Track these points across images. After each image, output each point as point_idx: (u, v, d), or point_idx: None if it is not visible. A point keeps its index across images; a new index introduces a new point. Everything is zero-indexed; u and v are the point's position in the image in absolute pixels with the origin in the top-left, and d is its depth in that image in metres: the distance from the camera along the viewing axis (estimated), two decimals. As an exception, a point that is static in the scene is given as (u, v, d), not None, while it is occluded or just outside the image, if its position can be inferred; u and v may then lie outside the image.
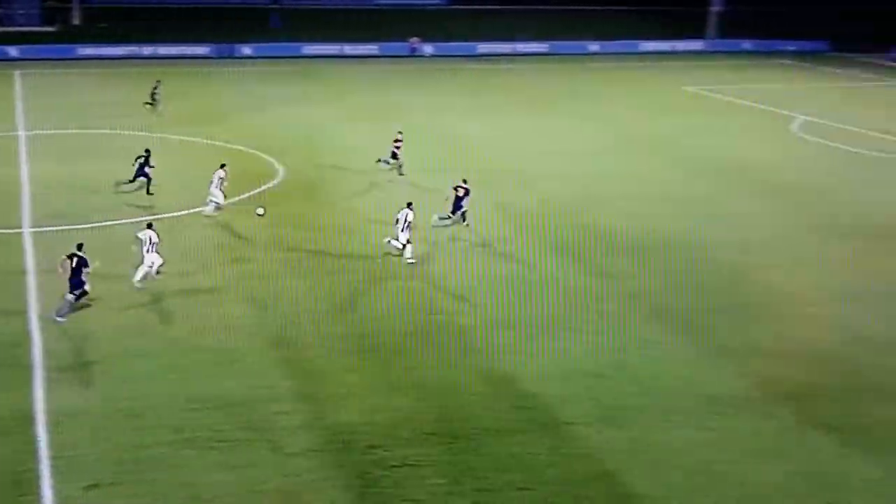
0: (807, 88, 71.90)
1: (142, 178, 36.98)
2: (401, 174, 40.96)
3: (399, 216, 30.85)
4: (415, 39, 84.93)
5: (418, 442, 20.29)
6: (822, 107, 62.33)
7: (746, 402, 22.41)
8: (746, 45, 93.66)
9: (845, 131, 53.68)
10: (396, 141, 41.44)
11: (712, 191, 41.21)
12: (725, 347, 25.40)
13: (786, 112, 59.88)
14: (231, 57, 79.00)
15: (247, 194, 37.52)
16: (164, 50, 78.23)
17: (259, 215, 32.69)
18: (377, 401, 22.00)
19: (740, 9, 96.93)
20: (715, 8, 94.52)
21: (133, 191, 37.03)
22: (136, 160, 37.08)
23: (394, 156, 41.31)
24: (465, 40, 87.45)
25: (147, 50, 77.88)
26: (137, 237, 28.07)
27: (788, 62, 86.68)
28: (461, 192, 34.53)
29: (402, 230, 30.73)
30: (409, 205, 31.17)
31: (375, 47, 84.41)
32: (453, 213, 34.39)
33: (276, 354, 24.32)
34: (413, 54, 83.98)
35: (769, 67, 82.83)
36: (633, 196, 39.69)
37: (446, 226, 34.02)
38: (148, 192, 36.76)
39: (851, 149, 49.30)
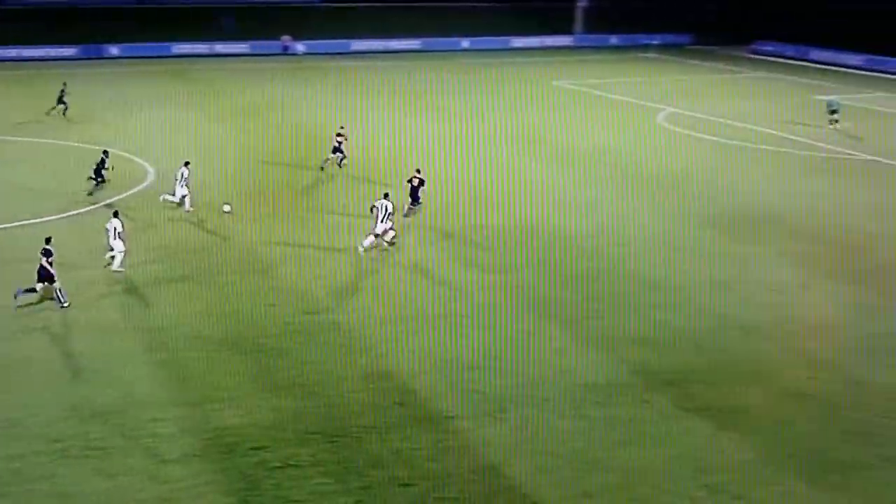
0: (671, 81, 73.70)
1: (99, 180, 37.65)
2: (340, 166, 42.29)
3: (377, 205, 31.37)
4: (286, 37, 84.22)
5: (301, 442, 20.11)
6: (686, 98, 64.02)
7: (624, 390, 22.83)
8: (613, 39, 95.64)
9: (708, 122, 55.18)
10: (338, 135, 42.51)
11: (583, 182, 41.91)
12: (602, 337, 25.84)
13: (651, 104, 61.28)
14: (99, 58, 77.10)
15: (116, 198, 36.67)
16: (28, 52, 75.86)
17: (226, 212, 33.91)
18: (258, 402, 21.73)
19: (606, 4, 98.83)
20: (581, 4, 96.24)
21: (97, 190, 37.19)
22: (96, 164, 37.78)
23: (335, 150, 42.28)
24: (339, 38, 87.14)
25: (12, 52, 75.33)
26: (105, 227, 29.40)
27: (653, 55, 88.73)
28: (416, 182, 35.43)
29: (382, 220, 31.16)
30: (385, 195, 31.82)
31: (246, 46, 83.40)
32: (413, 203, 34.84)
33: (152, 358, 23.80)
34: (286, 52, 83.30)
35: (635, 61, 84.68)
36: (506, 189, 40.09)
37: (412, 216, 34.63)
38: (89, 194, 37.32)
39: (714, 139, 50.70)
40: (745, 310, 28.01)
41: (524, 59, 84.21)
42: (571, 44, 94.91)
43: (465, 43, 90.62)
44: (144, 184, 39.23)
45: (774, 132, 46.06)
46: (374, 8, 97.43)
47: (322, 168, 42.46)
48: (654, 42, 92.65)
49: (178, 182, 35.65)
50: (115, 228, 29.17)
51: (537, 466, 19.46)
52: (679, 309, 28.01)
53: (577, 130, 52.54)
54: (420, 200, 35.45)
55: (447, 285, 29.36)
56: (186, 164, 36.16)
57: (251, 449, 19.75)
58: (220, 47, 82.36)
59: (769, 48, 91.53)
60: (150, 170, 41.15)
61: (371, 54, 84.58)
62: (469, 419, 21.27)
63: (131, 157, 43.15)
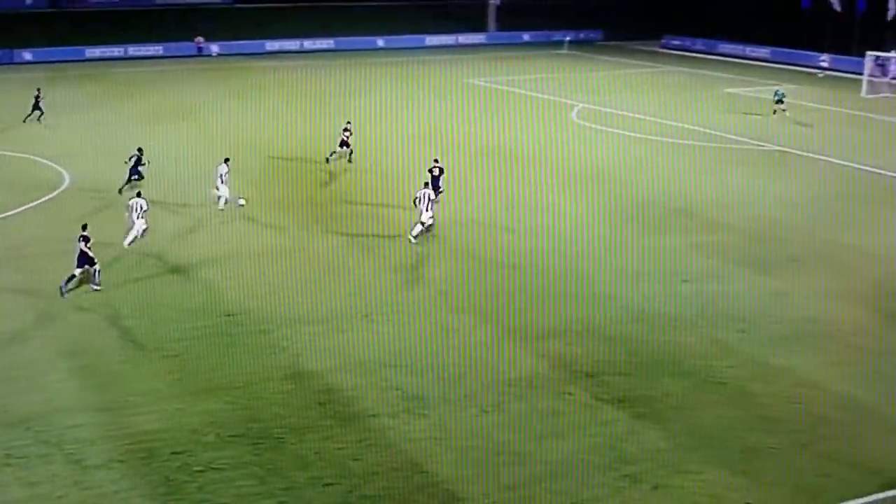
0: (584, 76, 74.57)
1: (135, 178, 38.05)
2: (350, 161, 43.54)
3: (419, 195, 32.96)
4: (200, 39, 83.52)
5: (223, 445, 20.00)
6: (599, 94, 64.86)
7: (544, 383, 23.10)
8: (526, 36, 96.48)
9: (621, 116, 55.97)
10: (345, 130, 43.70)
11: (499, 178, 42.20)
12: (522, 330, 26.10)
13: (565, 100, 61.96)
14: (10, 63, 75.52)
15: (31, 204, 36.09)
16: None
17: (241, 206, 35.61)
18: (179, 406, 21.55)
19: (518, 2, 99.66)
20: (494, 1, 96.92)
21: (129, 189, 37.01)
22: (129, 159, 38.16)
23: (343, 144, 43.39)
24: (253, 38, 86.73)
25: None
26: (127, 204, 32.11)
27: (566, 52, 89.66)
28: (436, 171, 36.62)
29: (426, 209, 32.80)
30: (426, 185, 33.72)
31: (160, 48, 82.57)
32: (435, 192, 35.19)
33: (71, 364, 23.50)
34: (200, 54, 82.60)
35: (548, 57, 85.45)
36: (417, 187, 40.20)
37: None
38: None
39: (627, 133, 51.44)
40: (661, 300, 28.51)
41: (439, 57, 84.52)
42: (485, 41, 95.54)
43: (380, 42, 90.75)
44: (60, 189, 38.61)
45: (685, 125, 47.11)
46: (288, 8, 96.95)
47: (327, 160, 43.10)
48: (567, 38, 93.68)
49: (219, 179, 35.99)
50: (140, 206, 31.84)
51: (459, 461, 19.61)
52: (597, 301, 28.42)
53: (492, 127, 52.90)
54: (441, 188, 36.51)
55: (364, 283, 29.40)
56: (226, 160, 36.33)
57: (173, 453, 19.59)
58: (133, 50, 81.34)
59: (678, 42, 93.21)
60: (66, 175, 40.48)
61: (286, 54, 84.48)
62: (391, 416, 21.35)
63: (47, 162, 42.45)
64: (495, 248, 32.87)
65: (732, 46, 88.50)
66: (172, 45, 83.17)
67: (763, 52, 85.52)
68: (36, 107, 51.75)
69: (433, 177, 36.13)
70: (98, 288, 28.09)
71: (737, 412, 21.82)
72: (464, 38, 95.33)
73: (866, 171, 44.07)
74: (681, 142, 48.93)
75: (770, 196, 39.65)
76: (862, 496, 18.53)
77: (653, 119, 55.17)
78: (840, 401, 22.37)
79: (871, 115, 58.63)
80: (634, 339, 25.72)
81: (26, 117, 51.48)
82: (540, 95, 64.65)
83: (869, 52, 67.64)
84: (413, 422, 21.17)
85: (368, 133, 50.75)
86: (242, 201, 36.05)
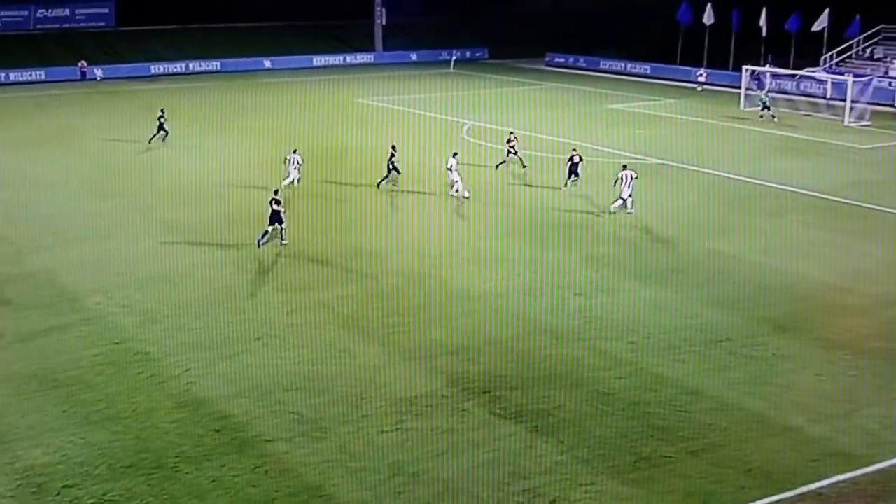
0: (472, 94, 75.27)
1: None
2: (524, 166, 46.88)
3: (620, 175, 38.82)
4: (83, 63, 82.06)
5: (116, 476, 19.61)
6: (487, 111, 65.51)
7: (442, 400, 23.22)
8: (413, 56, 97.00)
9: (506, 133, 56.41)
10: (509, 142, 47.12)
11: (392, 197, 42.35)
12: (417, 349, 26.18)
13: (454, 118, 62.43)
14: None
15: None
16: None
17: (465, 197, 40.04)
18: (69, 438, 21.05)
19: (404, 21, 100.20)
20: (379, 22, 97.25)
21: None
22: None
23: (511, 152, 46.82)
24: (137, 61, 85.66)
25: None
26: (286, 158, 42.09)
27: (453, 70, 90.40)
28: (577, 159, 42.25)
29: (626, 186, 38.36)
30: (624, 167, 39.44)
31: (42, 72, 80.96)
32: (570, 176, 42.21)
33: (-50, 402, 22.79)
34: (84, 78, 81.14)
35: (436, 76, 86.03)
36: (314, 208, 40.15)
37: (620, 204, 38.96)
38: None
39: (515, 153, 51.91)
40: (554, 314, 28.91)
41: (326, 78, 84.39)
42: (372, 61, 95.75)
43: (267, 62, 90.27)
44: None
45: (571, 141, 47.79)
46: (172, 30, 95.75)
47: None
48: (453, 57, 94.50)
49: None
50: (296, 161, 41.66)
51: (358, 483, 19.58)
52: (491, 317, 28.68)
53: (382, 147, 52.87)
54: (579, 174, 42.27)
55: (256, 307, 29.18)
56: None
57: (64, 487, 19.14)
58: (14, 75, 79.57)
59: (562, 60, 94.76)
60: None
61: (171, 77, 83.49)
62: (287, 441, 21.20)
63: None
64: (388, 268, 32.91)
65: (614, 63, 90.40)
66: (55, 69, 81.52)
67: (644, 68, 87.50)
68: (161, 128, 52.31)
69: (573, 164, 42.06)
70: (285, 243, 34.11)
71: (629, 422, 22.24)
72: (352, 59, 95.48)
73: (743, 181, 45.40)
74: (563, 156, 49.39)
75: (652, 208, 40.56)
76: (754, 501, 19.07)
77: (540, 135, 55.89)
78: (727, 407, 22.97)
79: (747, 127, 60.43)
80: (528, 354, 26.02)
81: (152, 138, 52.18)
82: (430, 114, 65.02)
83: (745, 67, 69.76)
84: (310, 445, 21.06)
85: (256, 154, 50.45)
86: (467, 194, 40.86)
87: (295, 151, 42.95)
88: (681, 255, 34.72)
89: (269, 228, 34.17)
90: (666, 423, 22.19)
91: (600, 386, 24.05)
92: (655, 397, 23.44)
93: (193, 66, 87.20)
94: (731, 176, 46.23)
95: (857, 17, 74.84)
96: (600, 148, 52.45)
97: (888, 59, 74.92)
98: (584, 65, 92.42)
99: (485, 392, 23.65)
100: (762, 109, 61.87)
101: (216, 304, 29.35)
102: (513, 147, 46.82)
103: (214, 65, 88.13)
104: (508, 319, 28.49)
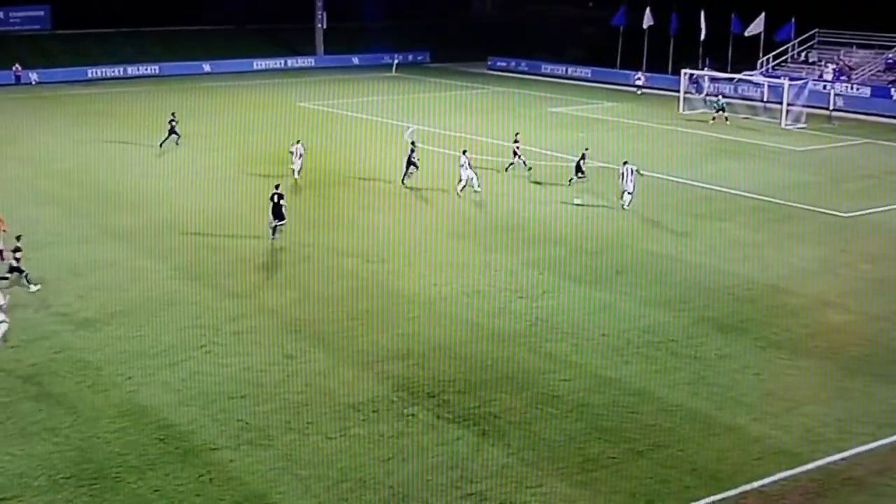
0: (414, 98, 75.30)
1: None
2: (528, 168, 47.37)
3: (621, 171, 40.29)
4: (17, 67, 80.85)
5: (56, 488, 19.32)
6: (430, 115, 65.59)
7: (388, 405, 23.18)
8: (355, 59, 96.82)
9: (451, 137, 56.62)
10: (515, 142, 47.58)
11: (336, 202, 42.23)
12: (363, 354, 26.12)
13: (397, 122, 62.38)
14: None
15: None
16: None
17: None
18: (7, 450, 20.68)
19: (345, 25, 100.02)
20: (320, 25, 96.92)
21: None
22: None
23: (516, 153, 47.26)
24: (74, 65, 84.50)
25: None
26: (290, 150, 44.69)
27: (396, 74, 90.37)
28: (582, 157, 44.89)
29: (629, 181, 39.97)
30: (625, 163, 40.63)
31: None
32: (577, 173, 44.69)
33: None
34: (19, 82, 79.96)
35: (378, 80, 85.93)
36: (256, 213, 39.89)
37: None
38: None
39: (454, 153, 51.86)
40: (498, 317, 29.03)
41: (268, 81, 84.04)
42: (314, 65, 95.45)
43: (206, 66, 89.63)
44: None
45: (513, 144, 48.00)
46: (109, 34, 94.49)
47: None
48: (395, 61, 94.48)
49: (462, 168, 42.26)
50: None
51: (304, 490, 19.48)
52: (436, 321, 28.72)
53: (324, 150, 52.76)
54: (584, 173, 44.60)
55: (200, 313, 28.89)
56: (464, 152, 42.96)
57: (2, 500, 18.81)
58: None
59: (504, 63, 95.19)
60: None
61: (109, 81, 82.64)
62: (233, 449, 21.03)
63: None
64: (333, 273, 32.81)
65: (555, 67, 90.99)
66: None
67: (584, 71, 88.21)
68: (172, 131, 52.50)
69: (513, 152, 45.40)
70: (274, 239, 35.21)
71: (575, 424, 22.39)
72: (292, 62, 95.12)
73: (684, 183, 45.93)
74: (509, 160, 49.75)
75: (595, 210, 40.89)
76: (699, 500, 19.29)
77: (483, 139, 56.05)
78: (671, 408, 23.22)
79: (686, 130, 61.16)
80: (474, 357, 26.08)
81: (162, 142, 52.30)
82: (373, 118, 64.94)
83: (683, 70, 70.58)
84: (256, 453, 20.91)
85: (195, 158, 50.08)
86: (578, 200, 41.58)
87: (298, 142, 44.97)
88: (624, 256, 35.02)
89: (276, 223, 35.55)
90: (612, 424, 22.37)
91: (546, 388, 24.18)
92: (601, 399, 23.62)
93: (131, 70, 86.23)
94: (672, 178, 46.74)
95: (793, 21, 76.10)
96: (544, 151, 52.70)
97: (822, 63, 76.29)
98: (525, 68, 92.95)
99: (431, 396, 23.66)
100: (716, 112, 62.75)
101: (159, 312, 29.02)
102: (518, 149, 47.41)
103: (153, 69, 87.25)
104: (454, 323, 28.53)
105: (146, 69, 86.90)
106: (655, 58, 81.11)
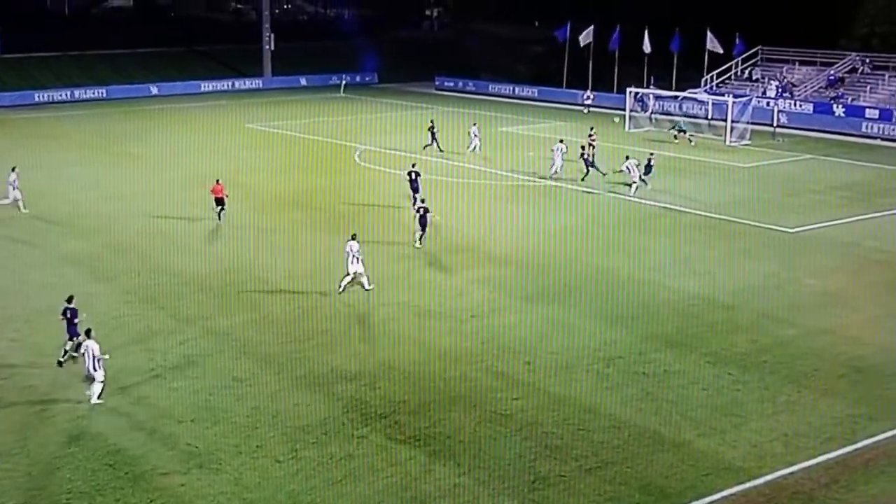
0: (363, 119, 75.35)
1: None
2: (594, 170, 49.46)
3: (623, 167, 45.68)
4: None
5: (2, 518, 19.10)
6: (378, 135, 65.62)
7: (338, 427, 23.13)
8: (303, 80, 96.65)
9: (399, 156, 56.63)
10: (591, 144, 51.38)
11: (282, 224, 42.10)
12: (313, 376, 26.06)
13: (346, 142, 62.38)
14: None
15: None
16: None
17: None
18: (-49, 480, 20.42)
19: (292, 46, 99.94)
20: (267, 47, 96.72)
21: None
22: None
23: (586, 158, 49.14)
24: (21, 89, 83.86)
25: None
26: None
27: (344, 95, 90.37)
28: (588, 155, 49.41)
29: (634, 170, 45.52)
30: (627, 157, 45.88)
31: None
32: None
33: None
34: None
35: (327, 101, 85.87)
36: (203, 234, 39.73)
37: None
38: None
39: (402, 173, 51.94)
40: (449, 337, 29.08)
41: (215, 103, 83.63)
42: (261, 86, 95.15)
43: (154, 89, 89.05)
44: None
45: (461, 164, 48.31)
46: (56, 58, 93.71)
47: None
48: (343, 82, 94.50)
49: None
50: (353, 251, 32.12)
51: (256, 514, 19.40)
52: (387, 341, 28.73)
53: (276, 172, 52.68)
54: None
55: (149, 337, 28.65)
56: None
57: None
58: None
59: (451, 83, 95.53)
60: None
61: (56, 104, 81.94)
62: (182, 474, 20.87)
63: None
64: (283, 295, 32.70)
65: (502, 87, 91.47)
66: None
67: (531, 91, 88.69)
68: (433, 137, 57.56)
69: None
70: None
71: (526, 443, 22.47)
72: (240, 84, 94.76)
73: (631, 200, 46.30)
74: (457, 180, 50.02)
75: (543, 228, 41.19)
76: (647, 515, 19.48)
77: (430, 158, 56.11)
78: (620, 424, 23.39)
79: (633, 147, 61.62)
80: (425, 377, 26.11)
81: (425, 146, 57.02)
82: (321, 139, 64.86)
83: (629, 89, 71.28)
84: (205, 477, 20.77)
85: (144, 181, 49.74)
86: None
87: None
88: (573, 274, 35.23)
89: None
90: (562, 442, 22.48)
91: (497, 407, 24.25)
92: (551, 417, 23.73)
93: (79, 93, 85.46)
94: (619, 196, 47.13)
95: (738, 37, 77.21)
96: (496, 171, 52.93)
97: (766, 80, 77.42)
98: (472, 88, 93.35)
99: (382, 417, 23.65)
100: (678, 132, 63.55)
101: (107, 336, 28.56)
102: (589, 151, 49.75)
103: (100, 92, 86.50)
104: (406, 343, 28.54)
105: (93, 92, 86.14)
106: (602, 76, 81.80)
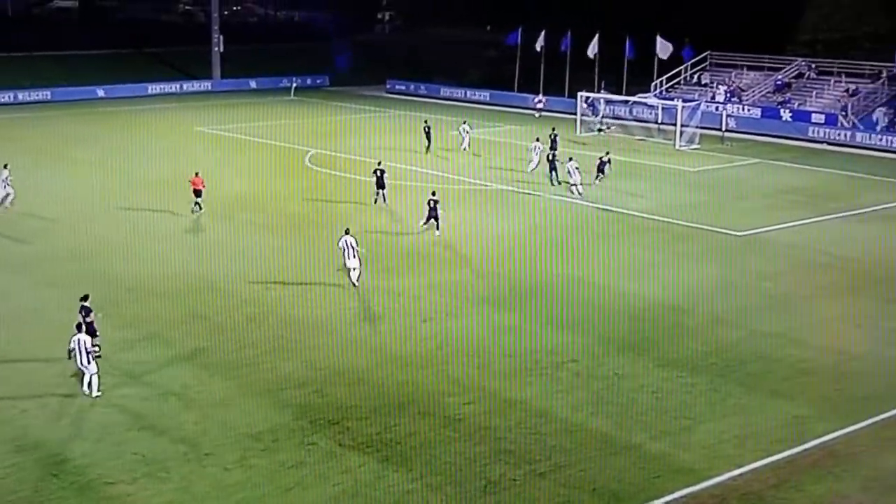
0: (313, 122, 74.98)
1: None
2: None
3: (570, 168, 46.61)
4: None
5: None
6: (330, 138, 65.38)
7: (289, 434, 22.90)
8: (252, 83, 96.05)
9: (350, 160, 56.49)
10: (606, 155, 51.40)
11: (234, 229, 41.74)
12: (263, 383, 25.79)
13: (297, 146, 62.03)
14: None
15: None
16: None
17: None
18: None
19: (242, 48, 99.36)
20: (217, 49, 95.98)
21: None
22: None
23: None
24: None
25: None
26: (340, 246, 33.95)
27: (295, 98, 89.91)
28: (606, 159, 49.64)
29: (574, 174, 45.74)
30: (570, 159, 47.35)
31: None
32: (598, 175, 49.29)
33: None
34: None
35: (277, 104, 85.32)
36: (153, 241, 39.23)
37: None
38: None
39: (356, 177, 51.82)
40: (402, 341, 28.96)
41: (163, 106, 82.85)
42: (210, 89, 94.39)
43: (100, 91, 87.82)
44: None
45: (413, 167, 48.30)
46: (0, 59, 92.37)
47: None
48: (294, 84, 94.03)
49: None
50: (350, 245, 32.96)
51: (204, 523, 19.13)
52: (338, 346, 28.49)
53: (227, 175, 52.17)
54: (606, 173, 49.68)
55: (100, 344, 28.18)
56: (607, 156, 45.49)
57: None
58: None
59: (402, 87, 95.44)
60: None
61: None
62: (129, 483, 20.54)
63: None
64: (233, 300, 32.37)
65: (454, 90, 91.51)
66: None
67: (483, 94, 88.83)
68: (427, 136, 59.49)
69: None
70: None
71: (478, 447, 22.39)
72: (188, 86, 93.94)
73: (581, 204, 46.47)
74: (409, 183, 49.89)
75: (496, 232, 41.19)
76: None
77: (386, 163, 55.90)
78: (572, 428, 23.40)
79: (585, 152, 61.87)
80: (376, 382, 25.95)
81: (426, 149, 58.43)
82: (271, 142, 64.44)
83: (580, 93, 71.61)
84: (153, 486, 20.45)
85: (88, 185, 49.09)
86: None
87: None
88: (525, 278, 35.26)
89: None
90: (514, 446, 22.43)
91: (450, 412, 24.17)
92: (504, 421, 23.69)
93: (22, 95, 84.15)
94: (570, 200, 47.27)
95: (687, 42, 77.92)
96: (440, 174, 52.91)
97: (714, 85, 78.12)
98: (424, 91, 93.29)
99: (333, 424, 23.46)
100: (604, 129, 65.47)
101: (52, 344, 28.09)
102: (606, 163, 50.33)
103: (45, 94, 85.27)
104: (357, 348, 28.36)
105: (38, 94, 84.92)
106: (553, 80, 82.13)
